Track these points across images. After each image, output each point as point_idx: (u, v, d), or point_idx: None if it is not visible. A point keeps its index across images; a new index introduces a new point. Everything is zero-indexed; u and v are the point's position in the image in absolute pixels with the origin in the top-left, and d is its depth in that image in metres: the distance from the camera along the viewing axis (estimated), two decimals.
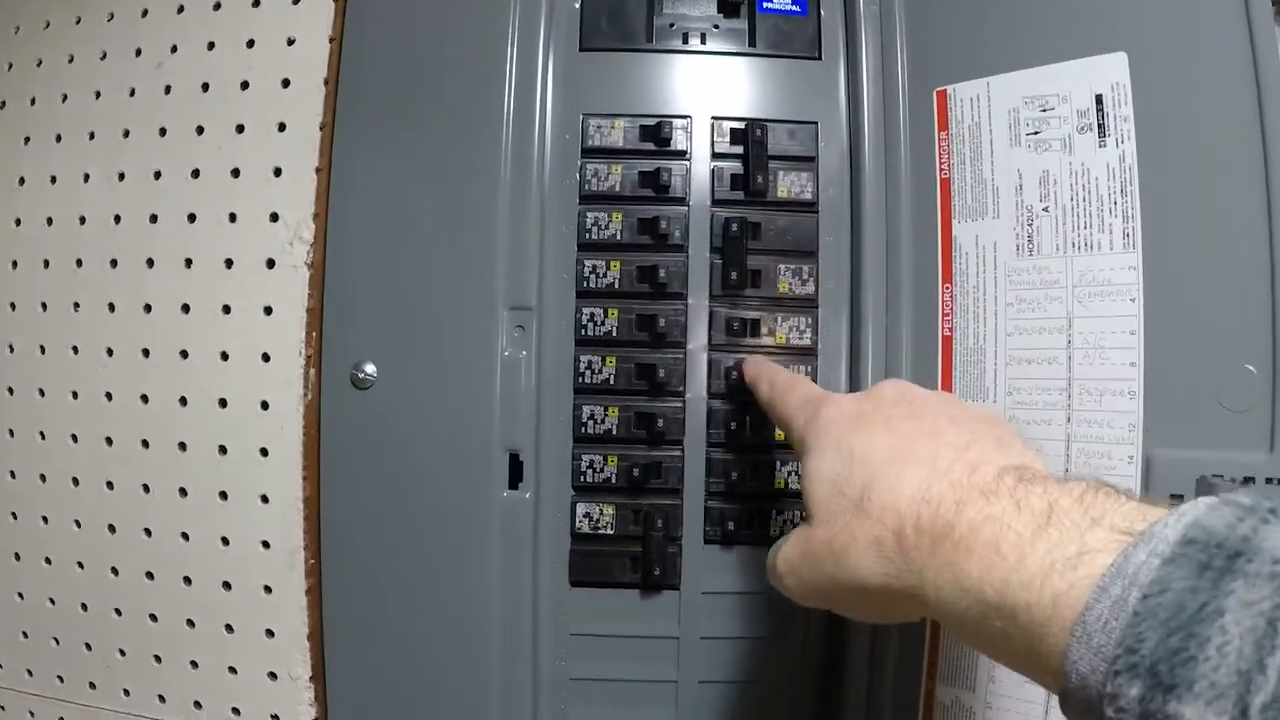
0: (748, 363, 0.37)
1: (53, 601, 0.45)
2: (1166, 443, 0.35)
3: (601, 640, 0.40)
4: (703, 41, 0.41)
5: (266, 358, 0.41)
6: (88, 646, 0.45)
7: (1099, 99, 0.37)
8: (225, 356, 0.42)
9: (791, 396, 0.32)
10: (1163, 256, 0.35)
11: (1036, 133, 0.38)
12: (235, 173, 0.43)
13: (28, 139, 0.46)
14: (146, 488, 0.43)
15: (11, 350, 0.46)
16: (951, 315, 0.38)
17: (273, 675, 0.42)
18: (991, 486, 0.23)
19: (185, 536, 0.42)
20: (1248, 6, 0.35)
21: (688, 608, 0.39)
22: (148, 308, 0.43)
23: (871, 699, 0.39)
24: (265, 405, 0.41)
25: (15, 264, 0.46)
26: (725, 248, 0.39)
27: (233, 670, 0.42)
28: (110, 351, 0.44)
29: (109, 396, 0.44)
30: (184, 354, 0.43)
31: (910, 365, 0.38)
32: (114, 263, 0.44)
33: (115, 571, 0.44)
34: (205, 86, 0.43)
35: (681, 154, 0.40)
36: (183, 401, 0.42)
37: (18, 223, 0.46)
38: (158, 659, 0.43)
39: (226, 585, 0.42)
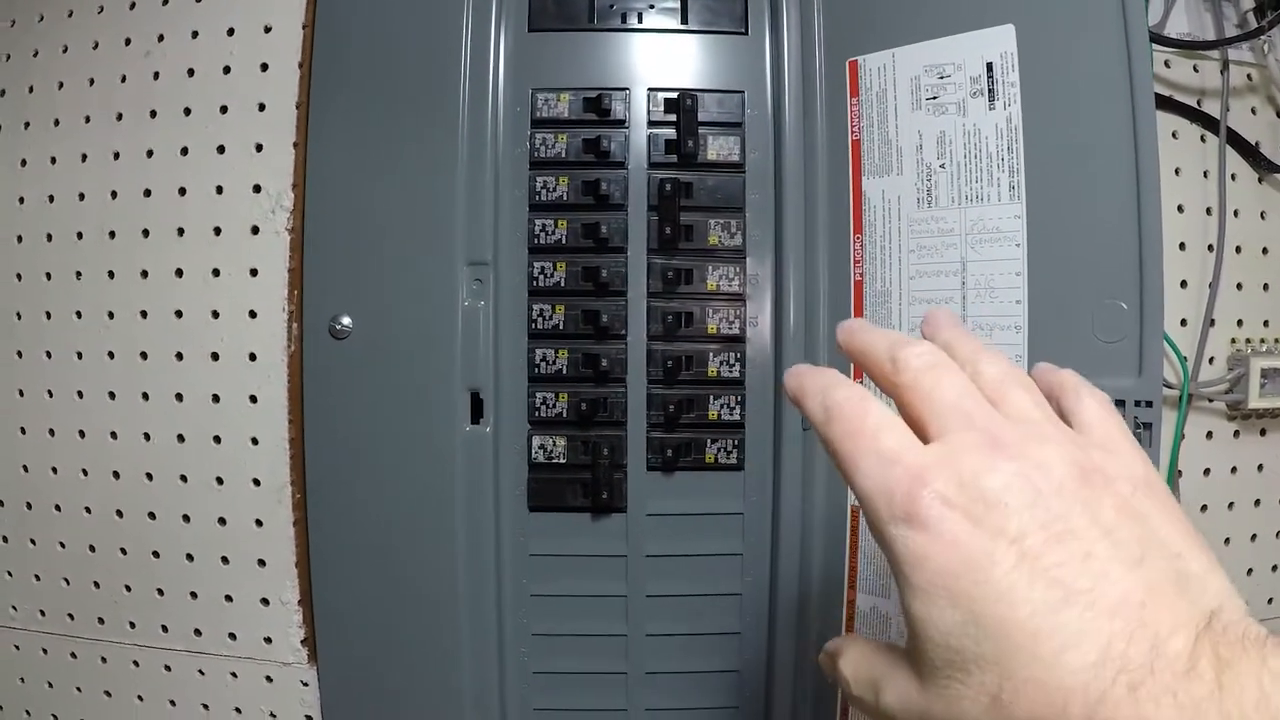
0: (789, 373, 0.24)
1: (63, 545, 0.50)
2: None
3: (558, 560, 0.44)
4: (640, 20, 0.45)
5: (253, 314, 0.46)
6: (96, 585, 0.49)
7: (989, 67, 0.41)
8: (216, 315, 0.46)
9: (862, 457, 0.21)
10: (1044, 206, 0.40)
11: (935, 98, 0.42)
12: (221, 149, 0.47)
13: (27, 124, 0.50)
14: (147, 436, 0.47)
15: (19, 318, 0.50)
16: (862, 262, 0.43)
17: (265, 601, 0.46)
18: (1183, 670, 0.17)
19: (184, 479, 0.47)
20: None
21: (634, 528, 0.44)
22: (145, 274, 0.48)
23: (802, 607, 0.43)
24: (253, 357, 0.46)
25: (20, 238, 0.50)
26: (660, 206, 0.43)
27: (229, 598, 0.47)
28: (111, 315, 0.48)
29: (111, 356, 0.48)
30: (179, 314, 0.47)
31: (827, 307, 0.43)
32: (112, 234, 0.48)
33: (120, 514, 0.48)
34: (191, 71, 0.47)
35: (621, 123, 0.44)
36: (179, 357, 0.47)
37: (21, 201, 0.50)
38: (160, 592, 0.48)
39: (222, 521, 0.47)
